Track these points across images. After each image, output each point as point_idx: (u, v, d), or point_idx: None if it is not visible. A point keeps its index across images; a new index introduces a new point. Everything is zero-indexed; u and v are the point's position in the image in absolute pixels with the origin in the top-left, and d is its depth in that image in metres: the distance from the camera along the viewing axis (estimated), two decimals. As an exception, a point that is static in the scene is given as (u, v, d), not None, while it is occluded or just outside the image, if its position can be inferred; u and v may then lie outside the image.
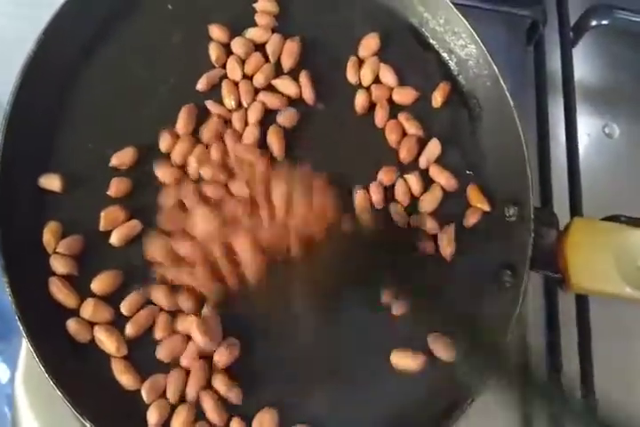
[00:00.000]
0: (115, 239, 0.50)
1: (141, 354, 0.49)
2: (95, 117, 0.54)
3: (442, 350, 0.52)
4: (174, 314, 0.50)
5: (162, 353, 0.49)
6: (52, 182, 0.51)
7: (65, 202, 0.52)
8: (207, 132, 0.54)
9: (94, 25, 0.56)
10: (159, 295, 0.50)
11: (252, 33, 0.58)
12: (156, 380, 0.48)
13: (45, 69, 0.53)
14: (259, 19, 0.58)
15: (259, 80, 0.56)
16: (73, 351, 0.48)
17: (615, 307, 0.59)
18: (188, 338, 0.49)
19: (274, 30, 0.58)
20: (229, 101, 0.55)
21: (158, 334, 0.49)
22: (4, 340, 0.54)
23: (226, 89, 0.56)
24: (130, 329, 0.49)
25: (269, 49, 0.57)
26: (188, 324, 0.49)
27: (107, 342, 0.48)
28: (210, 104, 0.55)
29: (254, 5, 0.59)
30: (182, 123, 0.54)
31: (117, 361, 0.48)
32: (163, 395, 0.48)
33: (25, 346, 0.50)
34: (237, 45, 0.57)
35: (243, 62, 0.57)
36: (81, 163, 0.53)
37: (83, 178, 0.52)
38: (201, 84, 0.56)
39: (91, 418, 0.45)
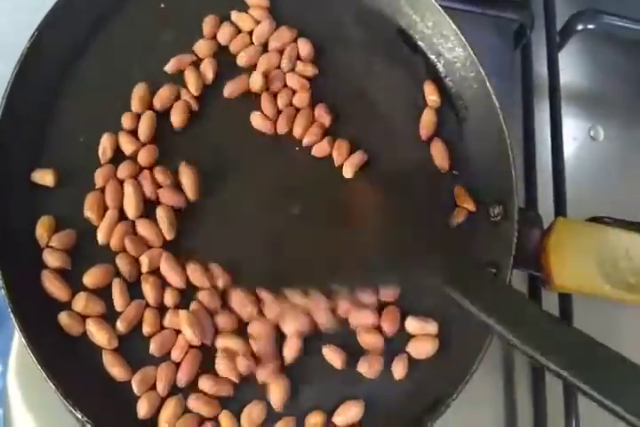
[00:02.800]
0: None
1: (133, 346, 0.50)
2: (87, 112, 0.54)
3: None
4: (163, 308, 0.51)
5: (153, 348, 0.49)
6: (44, 177, 0.51)
7: (58, 196, 0.52)
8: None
9: (87, 22, 0.56)
10: (148, 290, 0.50)
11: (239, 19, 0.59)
12: (146, 372, 0.49)
13: (38, 66, 0.53)
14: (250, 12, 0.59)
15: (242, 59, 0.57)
16: (65, 344, 0.49)
17: (598, 306, 0.60)
18: (178, 331, 0.50)
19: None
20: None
21: (146, 329, 0.50)
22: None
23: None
24: (120, 325, 0.49)
25: (257, 33, 0.58)
26: (177, 319, 0.50)
27: (98, 334, 0.48)
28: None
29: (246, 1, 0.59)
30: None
31: (108, 353, 0.49)
32: (153, 387, 0.49)
33: (17, 339, 0.51)
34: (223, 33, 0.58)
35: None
36: (73, 157, 0.53)
37: (75, 172, 0.52)
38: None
39: (82, 410, 0.45)
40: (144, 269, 0.51)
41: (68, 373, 0.47)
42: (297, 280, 0.51)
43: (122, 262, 0.50)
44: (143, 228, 0.51)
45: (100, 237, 0.51)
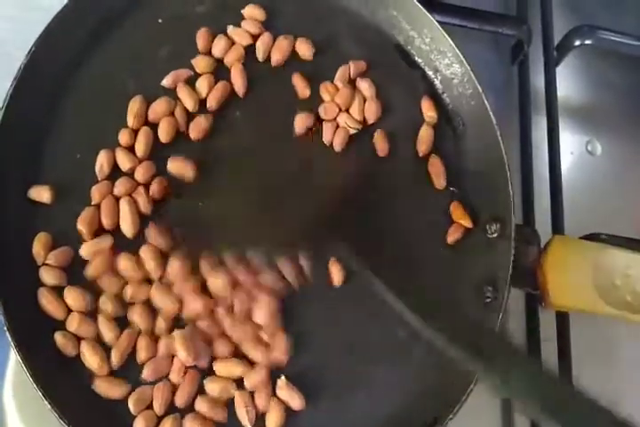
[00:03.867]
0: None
1: (128, 365, 0.50)
2: (83, 128, 0.54)
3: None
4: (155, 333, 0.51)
5: (146, 373, 0.49)
6: (41, 194, 0.51)
7: (54, 213, 0.52)
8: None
9: (85, 37, 0.56)
10: (137, 316, 0.50)
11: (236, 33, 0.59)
12: (142, 391, 0.48)
13: (35, 81, 0.53)
14: (246, 26, 0.59)
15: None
16: (61, 362, 0.48)
17: (596, 323, 0.60)
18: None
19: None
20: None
21: (141, 356, 0.49)
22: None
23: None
24: (114, 358, 0.49)
25: (259, 46, 0.58)
26: (171, 343, 0.49)
27: (90, 359, 0.48)
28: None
29: (242, 11, 0.60)
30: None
31: (101, 378, 0.49)
32: (150, 406, 0.48)
33: (14, 356, 0.50)
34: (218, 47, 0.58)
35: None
36: (70, 174, 0.53)
37: (72, 189, 0.52)
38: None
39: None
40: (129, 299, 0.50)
41: (63, 391, 0.47)
42: None
43: (103, 301, 0.50)
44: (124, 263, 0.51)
45: (84, 254, 0.51)
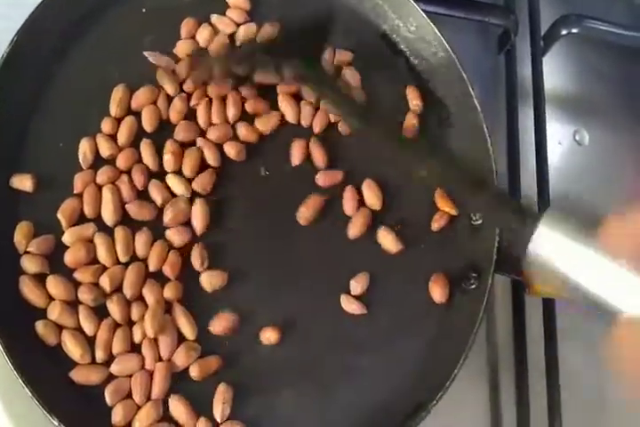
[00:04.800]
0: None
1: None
2: (67, 117, 0.54)
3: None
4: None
5: (114, 368, 0.48)
6: (23, 182, 0.51)
7: (36, 202, 0.52)
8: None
9: (68, 26, 0.56)
10: (112, 306, 0.50)
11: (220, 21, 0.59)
12: (119, 382, 0.48)
13: (18, 71, 0.53)
14: (230, 15, 0.59)
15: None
16: (42, 350, 0.48)
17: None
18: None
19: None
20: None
21: (116, 347, 0.49)
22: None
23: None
24: (98, 351, 0.48)
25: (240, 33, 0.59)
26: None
27: (72, 348, 0.48)
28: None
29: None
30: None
31: (82, 366, 0.48)
32: (127, 396, 0.48)
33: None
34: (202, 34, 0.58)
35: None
36: (52, 163, 0.53)
37: (54, 178, 0.52)
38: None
39: (59, 416, 0.45)
40: (106, 289, 0.50)
41: (44, 379, 0.46)
42: None
43: (82, 291, 0.49)
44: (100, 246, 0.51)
45: (67, 241, 0.50)
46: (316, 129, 0.57)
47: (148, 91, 0.55)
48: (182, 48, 0.57)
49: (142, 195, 0.53)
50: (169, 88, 0.55)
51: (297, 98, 0.58)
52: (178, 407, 0.48)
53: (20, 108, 0.53)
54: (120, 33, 0.57)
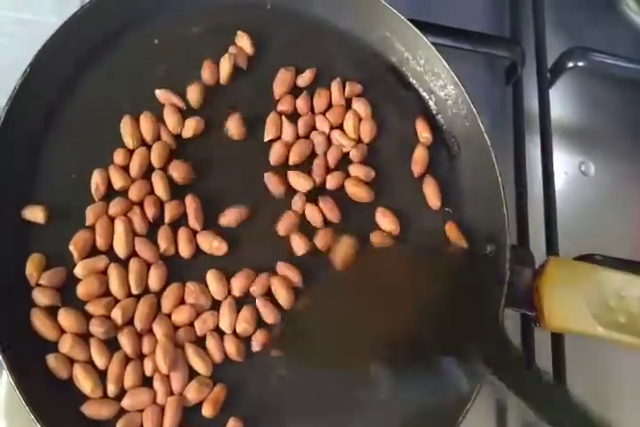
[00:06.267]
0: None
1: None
2: (79, 148, 0.54)
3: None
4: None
5: (126, 402, 0.48)
6: (35, 214, 0.51)
7: (48, 234, 0.51)
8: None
9: (81, 57, 0.56)
10: (124, 339, 0.49)
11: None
12: (130, 416, 0.48)
13: (31, 101, 0.53)
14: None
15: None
16: (54, 384, 0.48)
17: (590, 346, 0.60)
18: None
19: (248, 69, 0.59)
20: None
21: (127, 381, 0.49)
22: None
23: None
24: (110, 385, 0.48)
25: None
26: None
27: (83, 383, 0.48)
28: None
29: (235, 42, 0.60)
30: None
31: (93, 400, 0.48)
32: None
33: (6, 378, 0.50)
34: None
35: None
36: (64, 194, 0.53)
37: (66, 209, 0.52)
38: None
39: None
40: (118, 322, 0.50)
41: (55, 413, 0.46)
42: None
43: (94, 323, 0.49)
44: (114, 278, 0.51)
45: (79, 273, 0.50)
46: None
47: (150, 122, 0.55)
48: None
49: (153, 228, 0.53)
50: (171, 126, 0.56)
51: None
52: None
53: (33, 138, 0.54)
54: (132, 64, 0.58)
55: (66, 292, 0.50)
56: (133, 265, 0.51)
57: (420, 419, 0.52)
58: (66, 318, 0.49)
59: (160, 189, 0.53)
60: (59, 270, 0.50)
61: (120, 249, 0.51)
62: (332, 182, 0.57)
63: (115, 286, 0.50)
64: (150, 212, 0.53)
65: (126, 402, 0.48)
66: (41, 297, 0.49)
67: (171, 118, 0.56)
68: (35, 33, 0.54)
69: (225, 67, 0.58)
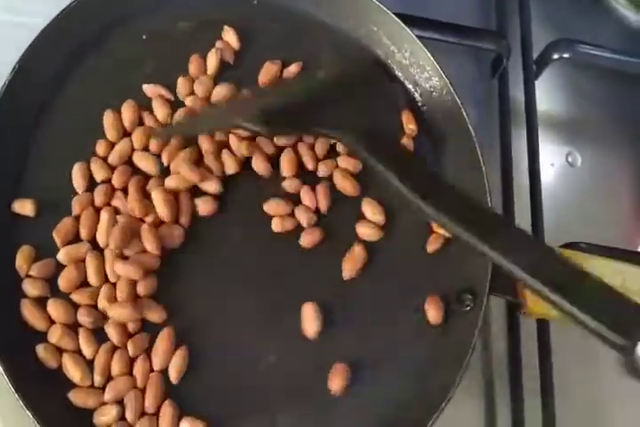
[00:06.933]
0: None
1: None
2: (67, 143, 0.55)
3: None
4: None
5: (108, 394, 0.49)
6: (24, 207, 0.52)
7: (38, 226, 0.52)
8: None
9: (69, 53, 0.57)
10: (110, 329, 0.50)
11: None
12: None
13: (19, 97, 0.54)
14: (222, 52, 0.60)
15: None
16: (43, 374, 0.49)
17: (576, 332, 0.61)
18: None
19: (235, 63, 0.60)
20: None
21: (114, 370, 0.49)
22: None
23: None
24: (97, 375, 0.49)
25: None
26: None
27: (72, 371, 0.49)
28: None
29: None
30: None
31: (80, 388, 0.49)
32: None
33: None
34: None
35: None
36: (53, 186, 0.54)
37: (55, 202, 0.53)
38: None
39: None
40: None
41: (44, 401, 0.47)
42: None
43: (81, 313, 0.50)
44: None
45: (61, 259, 0.51)
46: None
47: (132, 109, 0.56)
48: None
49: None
50: (160, 116, 0.57)
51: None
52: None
53: (21, 132, 0.54)
54: (120, 59, 0.58)
55: (55, 283, 0.51)
56: (109, 254, 0.52)
57: (405, 405, 0.52)
58: (55, 308, 0.50)
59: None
60: (48, 262, 0.51)
61: (102, 238, 0.52)
62: (323, 170, 0.58)
63: (91, 274, 0.51)
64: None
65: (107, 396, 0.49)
66: (31, 288, 0.50)
67: (160, 109, 0.57)
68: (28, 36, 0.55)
69: (212, 61, 0.59)
